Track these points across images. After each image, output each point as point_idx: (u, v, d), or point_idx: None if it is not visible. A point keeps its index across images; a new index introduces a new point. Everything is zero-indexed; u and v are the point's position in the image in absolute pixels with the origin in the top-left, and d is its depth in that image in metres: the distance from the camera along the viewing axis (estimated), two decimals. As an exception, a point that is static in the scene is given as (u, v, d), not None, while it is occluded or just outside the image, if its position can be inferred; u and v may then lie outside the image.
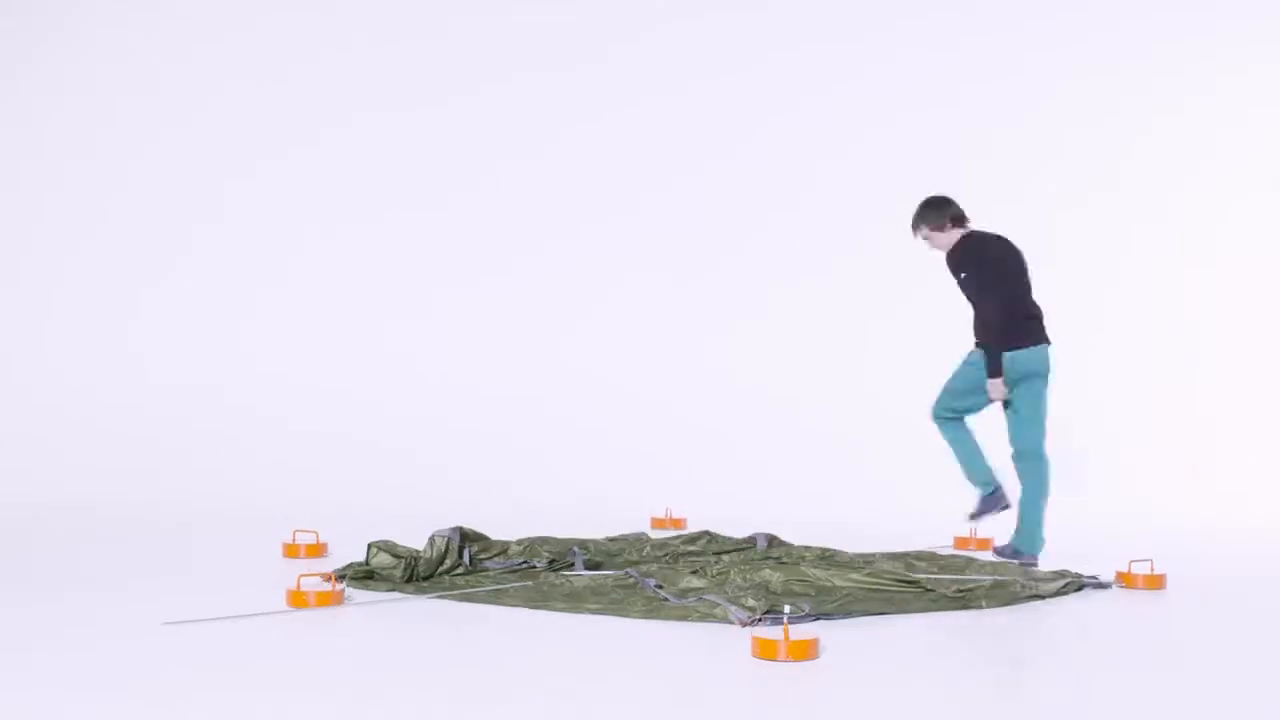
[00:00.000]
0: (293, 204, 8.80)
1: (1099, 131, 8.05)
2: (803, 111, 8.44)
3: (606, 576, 4.73)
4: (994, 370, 5.41)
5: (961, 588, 4.59)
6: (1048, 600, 4.70)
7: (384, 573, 4.80)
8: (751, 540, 5.52)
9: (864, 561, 5.11)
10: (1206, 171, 7.87)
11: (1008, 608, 4.53)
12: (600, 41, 8.70)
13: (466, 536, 5.02)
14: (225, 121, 8.91)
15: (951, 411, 5.64)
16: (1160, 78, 8.02)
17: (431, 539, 4.94)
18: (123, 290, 8.77)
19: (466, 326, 8.39)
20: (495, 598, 4.53)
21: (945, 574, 4.93)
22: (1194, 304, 7.75)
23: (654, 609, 4.30)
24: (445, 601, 4.60)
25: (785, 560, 5.01)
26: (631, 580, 4.62)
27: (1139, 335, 7.74)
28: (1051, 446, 5.54)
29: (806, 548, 5.38)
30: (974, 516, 5.62)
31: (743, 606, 4.14)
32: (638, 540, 5.43)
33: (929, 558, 5.38)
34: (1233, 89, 7.92)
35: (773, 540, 5.52)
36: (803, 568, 4.65)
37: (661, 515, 6.55)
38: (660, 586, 4.50)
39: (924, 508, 6.70)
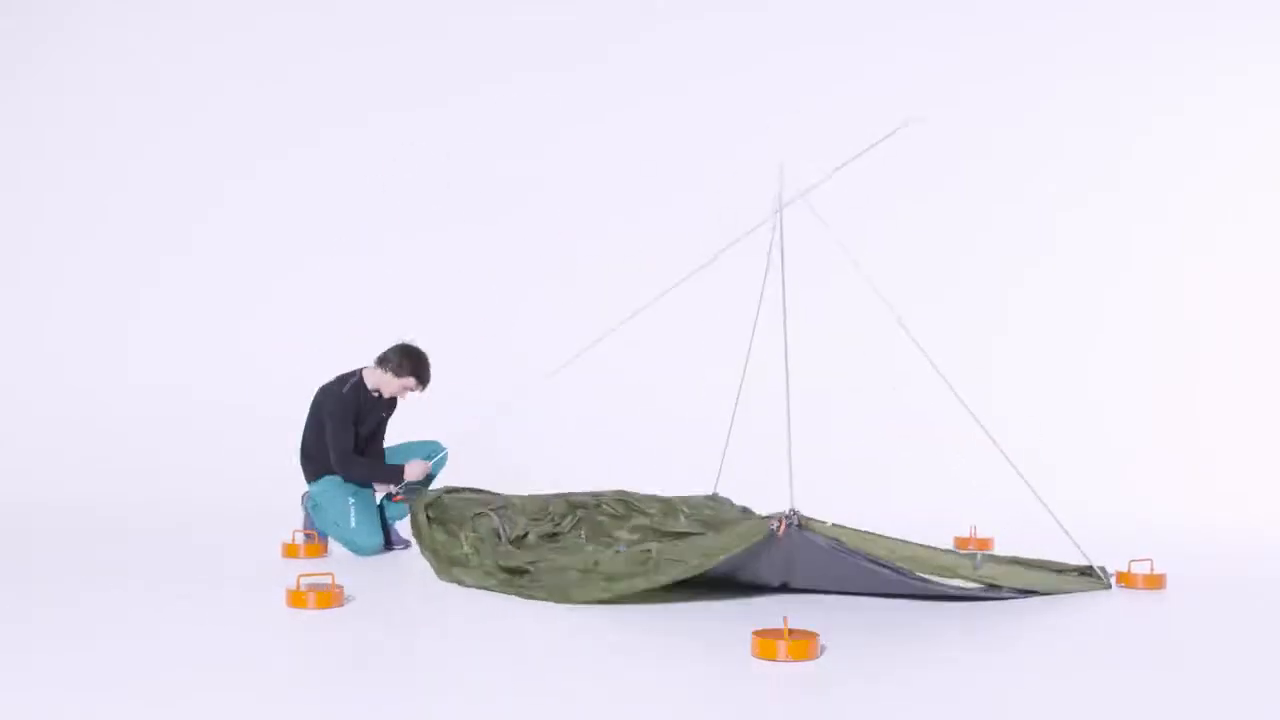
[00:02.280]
0: (292, 204, 8.79)
1: (1099, 131, 8.05)
2: (803, 111, 8.44)
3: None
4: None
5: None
6: (1047, 600, 4.71)
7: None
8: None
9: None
10: (1206, 171, 7.87)
11: (1008, 609, 4.54)
12: (600, 41, 8.70)
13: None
14: (225, 122, 8.91)
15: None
16: (1160, 78, 8.02)
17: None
18: (123, 290, 8.77)
19: (466, 326, 8.38)
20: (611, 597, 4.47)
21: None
22: (1194, 304, 7.74)
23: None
24: (445, 601, 4.60)
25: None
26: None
27: (1139, 335, 7.74)
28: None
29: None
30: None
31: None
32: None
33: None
34: (1233, 89, 7.91)
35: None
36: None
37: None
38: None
39: (925, 507, 6.71)
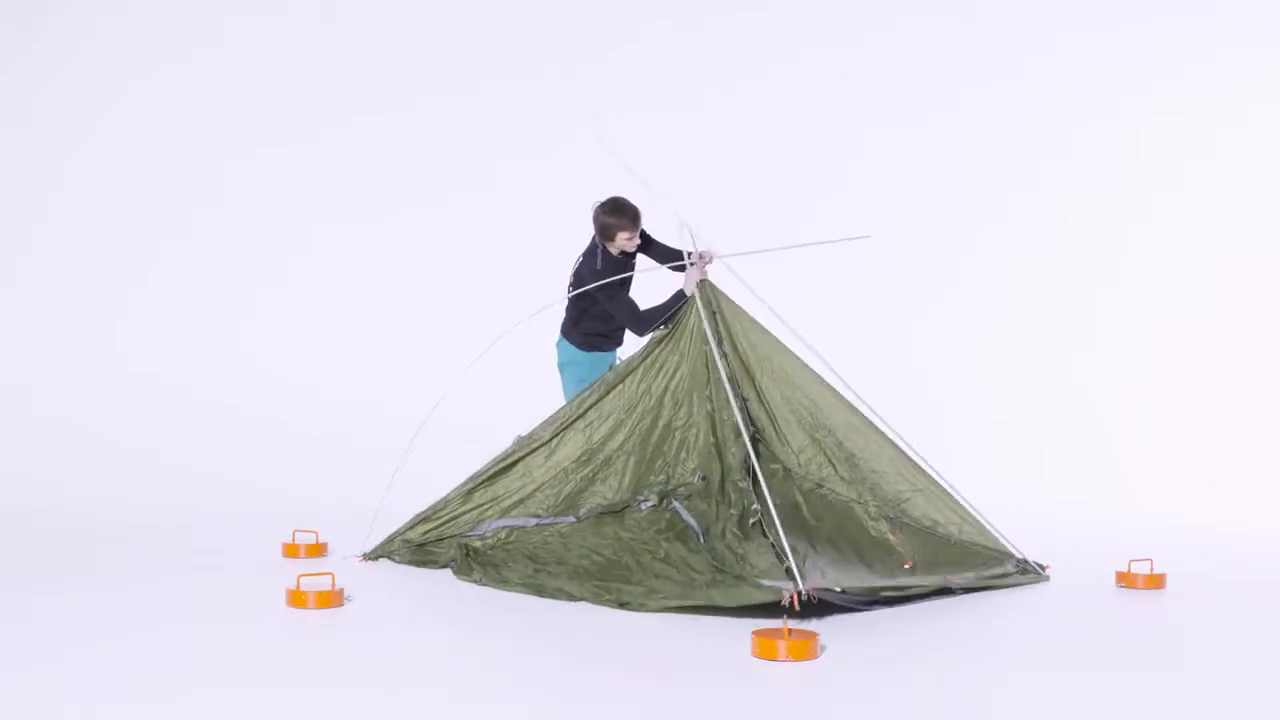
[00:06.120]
0: (292, 204, 8.78)
1: (1099, 131, 8.05)
2: (803, 113, 8.44)
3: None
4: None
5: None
6: (1046, 600, 4.72)
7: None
8: None
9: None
10: (1206, 172, 7.87)
11: (1007, 610, 4.55)
12: (599, 41, 8.70)
13: None
14: (225, 121, 8.90)
15: None
16: (1160, 78, 8.01)
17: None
18: (121, 291, 8.76)
19: (467, 326, 8.37)
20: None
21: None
22: (1194, 304, 7.74)
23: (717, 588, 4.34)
24: (445, 601, 4.60)
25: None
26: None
27: (1139, 335, 7.73)
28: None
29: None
30: None
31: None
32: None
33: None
34: (1233, 89, 7.91)
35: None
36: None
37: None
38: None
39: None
